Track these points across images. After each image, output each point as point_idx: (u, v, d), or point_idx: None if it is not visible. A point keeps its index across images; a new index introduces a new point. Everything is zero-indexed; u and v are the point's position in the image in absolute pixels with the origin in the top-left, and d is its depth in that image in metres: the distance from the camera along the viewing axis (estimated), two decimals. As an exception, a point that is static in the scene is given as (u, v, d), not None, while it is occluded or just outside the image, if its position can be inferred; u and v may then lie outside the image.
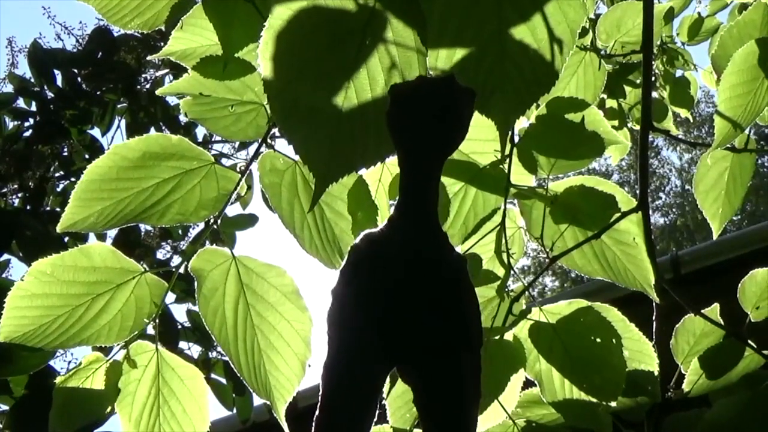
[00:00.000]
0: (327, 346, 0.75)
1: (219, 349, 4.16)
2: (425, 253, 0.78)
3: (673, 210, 19.79)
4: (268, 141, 1.26)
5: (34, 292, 1.16)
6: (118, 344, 1.22)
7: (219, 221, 1.25)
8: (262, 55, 0.86)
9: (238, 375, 1.19)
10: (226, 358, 3.99)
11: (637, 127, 3.20)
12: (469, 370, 0.75)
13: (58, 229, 1.17)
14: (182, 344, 3.88)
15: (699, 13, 3.44)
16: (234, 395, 3.72)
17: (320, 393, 0.73)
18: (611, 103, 3.04)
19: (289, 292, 1.19)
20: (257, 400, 3.81)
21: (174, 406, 1.21)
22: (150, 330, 1.25)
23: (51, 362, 1.75)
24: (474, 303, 0.78)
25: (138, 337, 1.23)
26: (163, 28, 1.30)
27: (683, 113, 3.41)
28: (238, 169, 1.25)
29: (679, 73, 3.41)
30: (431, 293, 0.76)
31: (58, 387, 1.18)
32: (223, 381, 3.68)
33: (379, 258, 0.78)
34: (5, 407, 1.94)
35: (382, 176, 1.33)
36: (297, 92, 0.86)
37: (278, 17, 0.86)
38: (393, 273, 0.76)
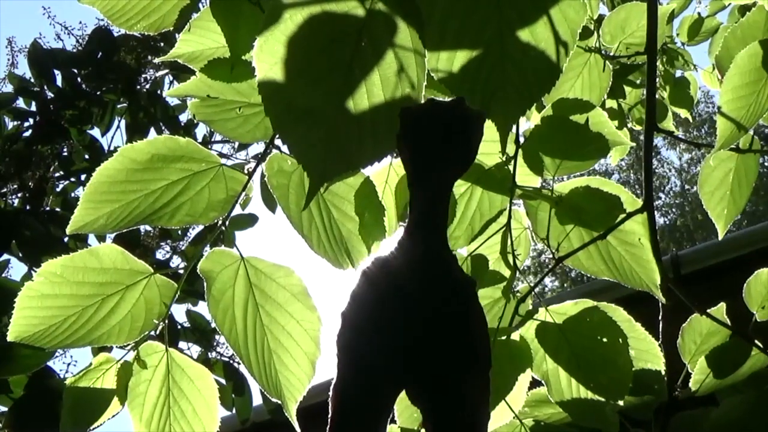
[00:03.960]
0: (336, 370, 0.75)
1: (218, 349, 4.15)
2: (435, 277, 0.78)
3: (673, 210, 19.81)
4: (275, 142, 1.26)
5: (44, 293, 1.16)
6: (127, 345, 1.22)
7: (227, 222, 1.26)
8: (257, 57, 0.86)
9: (250, 375, 1.20)
10: (226, 359, 3.98)
11: (637, 127, 3.21)
12: (478, 393, 0.75)
13: (68, 231, 1.18)
14: (182, 344, 3.88)
15: (699, 14, 3.45)
16: (233, 395, 3.72)
17: (329, 417, 0.73)
18: (611, 103, 3.05)
19: (297, 292, 1.20)
20: (256, 401, 3.81)
21: (184, 406, 1.22)
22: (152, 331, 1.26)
23: (51, 363, 1.75)
24: (482, 325, 0.78)
25: (146, 338, 1.24)
26: (167, 30, 1.30)
27: (683, 113, 3.41)
28: (245, 171, 1.26)
29: (678, 73, 3.42)
30: (440, 317, 0.76)
31: (68, 387, 1.19)
32: (223, 381, 3.68)
33: (389, 282, 0.78)
34: (4, 408, 1.95)
35: (388, 177, 1.34)
36: (292, 94, 0.86)
37: (274, 19, 0.86)
38: (403, 297, 0.77)
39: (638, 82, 3.06)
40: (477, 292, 0.78)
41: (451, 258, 0.80)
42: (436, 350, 0.74)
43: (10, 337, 1.16)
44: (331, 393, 0.74)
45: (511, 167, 1.29)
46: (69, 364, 5.20)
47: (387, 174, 1.34)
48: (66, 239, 3.59)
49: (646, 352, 1.27)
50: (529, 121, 1.47)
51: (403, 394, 1.24)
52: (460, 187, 1.32)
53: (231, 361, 3.86)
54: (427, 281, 0.77)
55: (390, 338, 0.75)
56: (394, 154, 1.26)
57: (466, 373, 0.74)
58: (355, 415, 0.73)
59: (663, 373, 1.27)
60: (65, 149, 4.19)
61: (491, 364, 0.76)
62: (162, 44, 4.36)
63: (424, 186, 0.81)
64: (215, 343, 4.09)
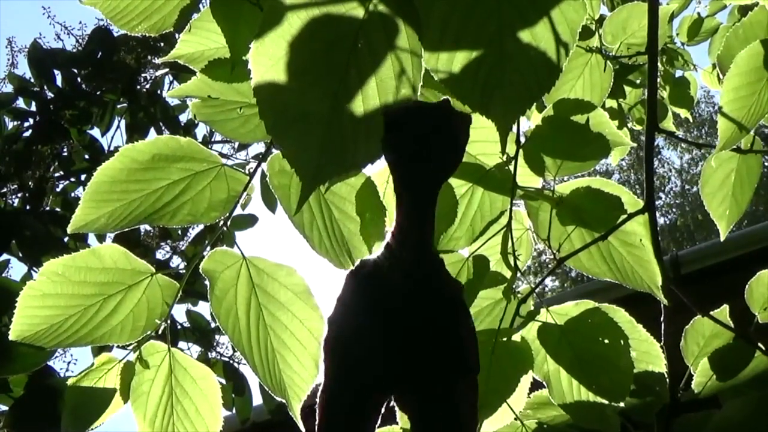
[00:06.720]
0: (324, 375, 0.75)
1: (218, 349, 4.15)
2: (422, 281, 0.77)
3: (673, 210, 19.82)
4: (276, 142, 1.26)
5: (46, 292, 1.16)
6: (128, 345, 1.23)
7: (228, 222, 1.26)
8: (252, 60, 0.86)
9: (254, 373, 1.20)
10: (226, 359, 3.99)
11: (637, 127, 3.21)
12: (466, 397, 0.74)
13: (69, 230, 1.18)
14: (181, 344, 3.89)
15: (699, 14, 3.45)
16: (233, 395, 3.73)
17: (317, 421, 0.73)
18: (611, 103, 3.05)
19: (299, 291, 1.20)
20: (256, 401, 3.81)
21: (187, 406, 1.22)
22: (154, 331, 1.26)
23: (51, 362, 1.75)
24: (470, 329, 0.77)
25: (148, 338, 1.24)
26: (169, 31, 1.30)
27: (683, 113, 3.41)
28: (246, 171, 1.26)
29: (678, 73, 3.42)
30: (428, 320, 0.75)
31: (71, 387, 1.19)
32: (223, 381, 3.69)
33: (375, 286, 0.77)
34: (4, 407, 1.95)
35: (389, 178, 1.34)
36: (288, 97, 0.86)
37: (270, 22, 0.86)
38: (390, 300, 0.76)
39: (638, 82, 3.06)
40: (464, 297, 0.78)
41: (439, 262, 0.79)
42: (425, 356, 0.74)
43: (12, 336, 1.16)
44: (318, 398, 0.73)
45: (511, 168, 1.29)
46: (69, 363, 5.21)
47: (388, 174, 1.33)
48: (66, 239, 3.59)
49: (648, 353, 1.26)
50: (530, 121, 1.47)
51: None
52: (460, 187, 1.32)
53: (231, 361, 3.86)
54: (415, 286, 0.76)
55: (377, 343, 0.74)
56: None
57: (454, 379, 0.73)
58: (342, 421, 0.73)
59: (665, 374, 1.26)
60: (65, 149, 4.19)
61: (479, 369, 0.76)
62: (162, 44, 4.36)
63: (410, 189, 0.80)
64: (215, 343, 4.10)
